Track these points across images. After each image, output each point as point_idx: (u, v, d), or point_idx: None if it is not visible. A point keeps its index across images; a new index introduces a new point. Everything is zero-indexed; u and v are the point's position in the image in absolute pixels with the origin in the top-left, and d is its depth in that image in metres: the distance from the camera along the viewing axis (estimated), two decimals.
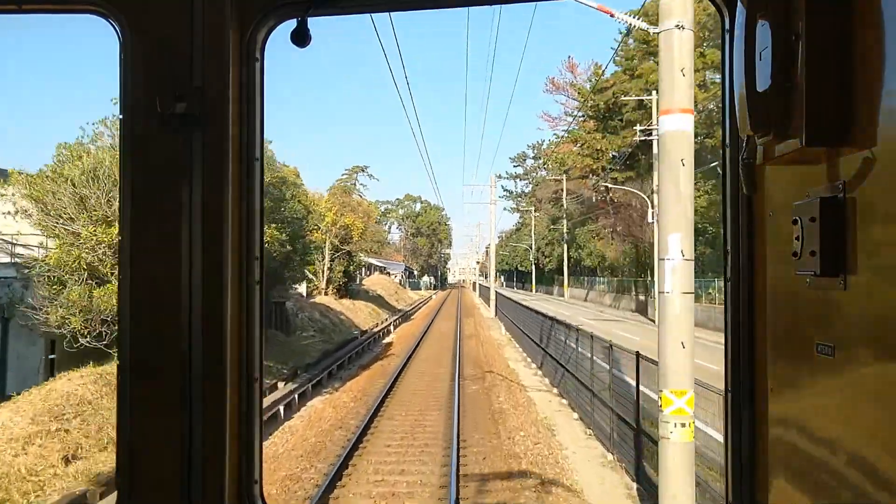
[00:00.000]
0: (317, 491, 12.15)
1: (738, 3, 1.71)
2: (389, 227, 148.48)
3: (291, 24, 1.96)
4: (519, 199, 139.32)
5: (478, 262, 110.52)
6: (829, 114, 1.48)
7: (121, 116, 1.90)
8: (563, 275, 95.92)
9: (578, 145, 69.78)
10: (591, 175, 69.93)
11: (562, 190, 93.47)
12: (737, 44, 1.71)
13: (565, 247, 79.75)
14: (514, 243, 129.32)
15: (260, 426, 2.00)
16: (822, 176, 1.55)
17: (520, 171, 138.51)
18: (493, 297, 58.81)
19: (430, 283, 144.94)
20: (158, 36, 1.86)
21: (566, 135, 68.62)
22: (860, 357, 1.43)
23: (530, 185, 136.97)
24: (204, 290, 1.85)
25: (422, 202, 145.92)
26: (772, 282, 1.82)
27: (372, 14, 2.71)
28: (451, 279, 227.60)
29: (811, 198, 1.55)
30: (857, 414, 1.43)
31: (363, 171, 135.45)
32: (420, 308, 70.09)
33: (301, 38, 1.94)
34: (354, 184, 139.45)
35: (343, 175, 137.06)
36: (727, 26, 1.94)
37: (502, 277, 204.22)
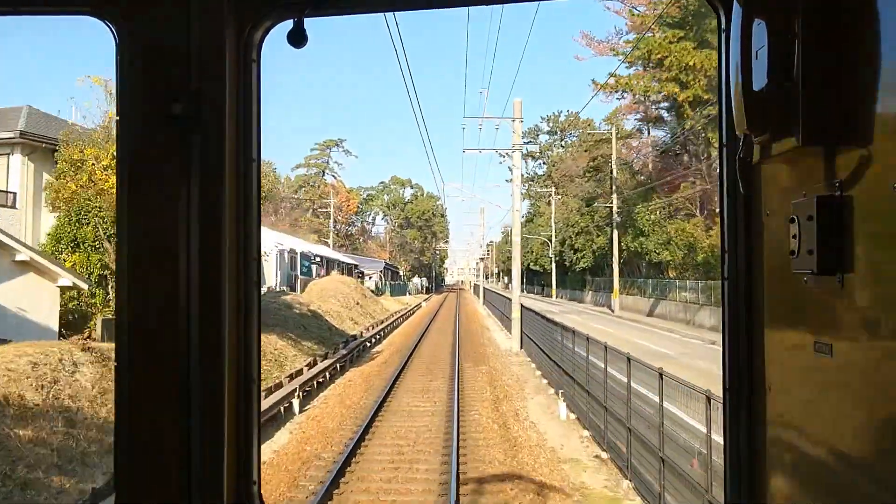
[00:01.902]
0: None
1: (735, 2, 1.72)
2: (374, 218, 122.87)
3: (288, 24, 1.95)
4: (531, 182, 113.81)
5: (481, 259, 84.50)
6: (826, 113, 1.49)
7: (118, 118, 1.89)
8: (600, 275, 70.32)
9: (652, 66, 43.81)
10: (674, 112, 44.10)
11: (602, 157, 67.84)
12: (733, 43, 1.71)
13: (614, 235, 54.13)
14: (526, 235, 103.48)
15: (258, 428, 2.00)
16: (818, 174, 1.56)
17: (532, 148, 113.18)
18: (516, 312, 33.14)
19: (422, 286, 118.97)
20: (155, 37, 1.85)
21: (631, 51, 42.75)
22: (858, 355, 1.43)
23: (544, 166, 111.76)
24: (201, 292, 1.84)
25: (413, 186, 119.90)
26: (769, 281, 1.82)
27: (369, 14, 2.41)
28: (448, 280, 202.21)
29: (808, 196, 1.56)
30: (855, 413, 1.43)
31: (338, 145, 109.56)
32: (395, 330, 43.98)
33: (298, 38, 1.93)
34: (327, 162, 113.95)
35: (313, 150, 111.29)
36: (723, 25, 1.93)
37: (506, 278, 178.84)
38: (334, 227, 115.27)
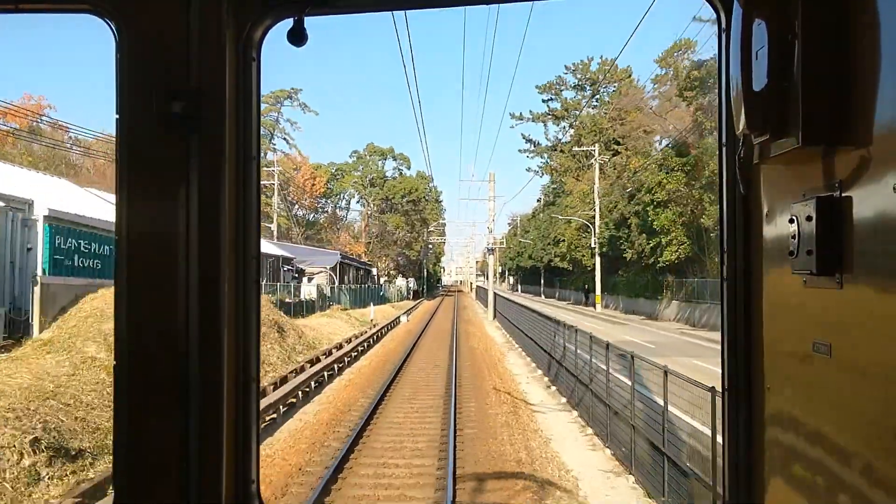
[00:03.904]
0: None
1: (735, 3, 1.74)
2: (348, 202, 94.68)
3: (288, 23, 1.95)
4: (552, 150, 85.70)
5: (489, 250, 56.43)
6: (826, 113, 1.50)
7: (117, 116, 1.88)
8: (693, 274, 42.54)
9: None
10: None
11: (713, 60, 39.80)
12: (733, 43, 1.72)
13: None
14: (556, 214, 75.57)
15: (257, 427, 1.99)
16: (818, 175, 1.58)
17: (555, 108, 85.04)
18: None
19: (408, 290, 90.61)
20: (154, 36, 1.86)
21: None
22: (856, 355, 1.45)
23: (571, 130, 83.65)
24: (201, 291, 1.84)
25: (395, 157, 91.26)
26: (768, 281, 1.83)
27: (369, 14, 2.40)
28: (445, 280, 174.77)
29: (807, 197, 1.57)
30: (853, 412, 1.45)
31: (291, 97, 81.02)
32: (276, 433, 15.30)
33: (297, 37, 1.93)
34: (277, 119, 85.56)
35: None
36: (724, 25, 1.94)
37: (512, 279, 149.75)
38: (293, 210, 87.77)
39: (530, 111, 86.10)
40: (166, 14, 1.84)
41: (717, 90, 2.00)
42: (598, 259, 58.24)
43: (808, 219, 1.53)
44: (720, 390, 2.03)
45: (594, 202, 58.90)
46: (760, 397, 1.85)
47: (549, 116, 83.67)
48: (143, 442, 1.83)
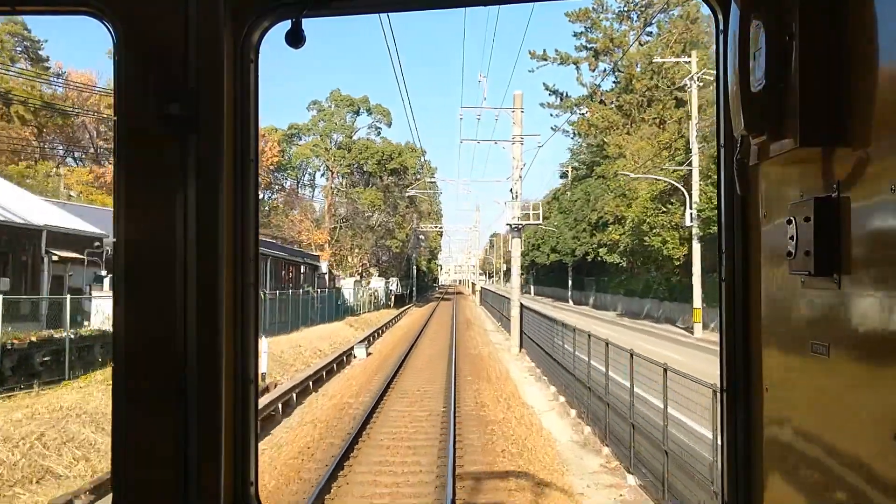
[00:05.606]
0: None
1: (732, 4, 1.75)
2: (312, 175, 71.11)
3: (286, 25, 1.98)
4: (589, 100, 61.95)
5: (515, 228, 32.50)
6: (823, 114, 1.52)
7: (115, 117, 1.92)
8: None
9: None
10: None
11: None
12: (731, 44, 1.74)
13: None
14: (588, 194, 52.11)
15: (255, 428, 2.01)
16: (816, 176, 1.59)
17: (593, 38, 61.35)
18: None
19: (388, 293, 66.73)
20: (153, 37, 1.88)
21: None
22: (854, 356, 1.46)
23: (614, 73, 60.07)
24: (199, 292, 1.86)
25: (371, 111, 66.98)
26: (766, 282, 1.84)
27: (366, 14, 2.48)
28: (442, 279, 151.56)
29: (805, 198, 1.58)
30: (851, 413, 1.46)
31: None
32: None
33: (295, 39, 1.95)
34: None
35: None
36: (721, 27, 1.95)
37: (522, 277, 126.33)
38: None
39: (556, 50, 62.35)
40: (165, 15, 1.85)
41: (715, 91, 1.99)
42: (696, 246, 34.61)
43: (806, 219, 1.53)
44: (718, 390, 1.98)
45: (693, 152, 35.20)
46: (759, 397, 1.85)
47: (588, 52, 59.83)
48: (142, 444, 1.83)
